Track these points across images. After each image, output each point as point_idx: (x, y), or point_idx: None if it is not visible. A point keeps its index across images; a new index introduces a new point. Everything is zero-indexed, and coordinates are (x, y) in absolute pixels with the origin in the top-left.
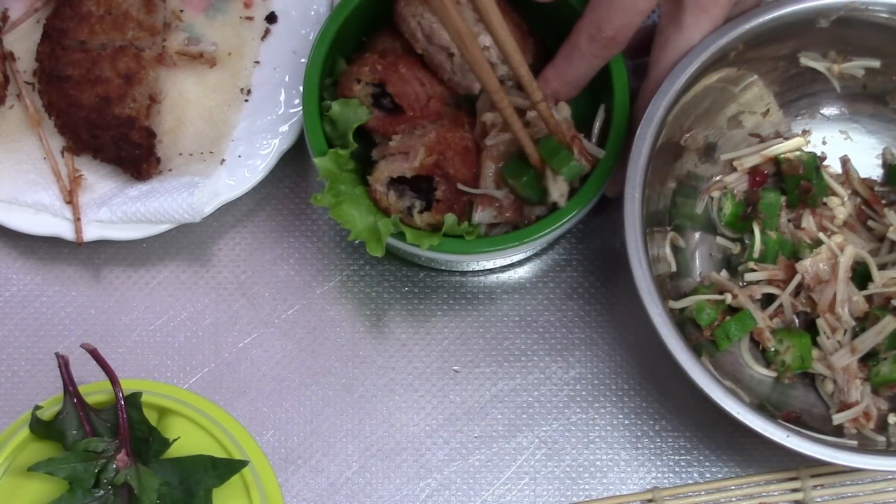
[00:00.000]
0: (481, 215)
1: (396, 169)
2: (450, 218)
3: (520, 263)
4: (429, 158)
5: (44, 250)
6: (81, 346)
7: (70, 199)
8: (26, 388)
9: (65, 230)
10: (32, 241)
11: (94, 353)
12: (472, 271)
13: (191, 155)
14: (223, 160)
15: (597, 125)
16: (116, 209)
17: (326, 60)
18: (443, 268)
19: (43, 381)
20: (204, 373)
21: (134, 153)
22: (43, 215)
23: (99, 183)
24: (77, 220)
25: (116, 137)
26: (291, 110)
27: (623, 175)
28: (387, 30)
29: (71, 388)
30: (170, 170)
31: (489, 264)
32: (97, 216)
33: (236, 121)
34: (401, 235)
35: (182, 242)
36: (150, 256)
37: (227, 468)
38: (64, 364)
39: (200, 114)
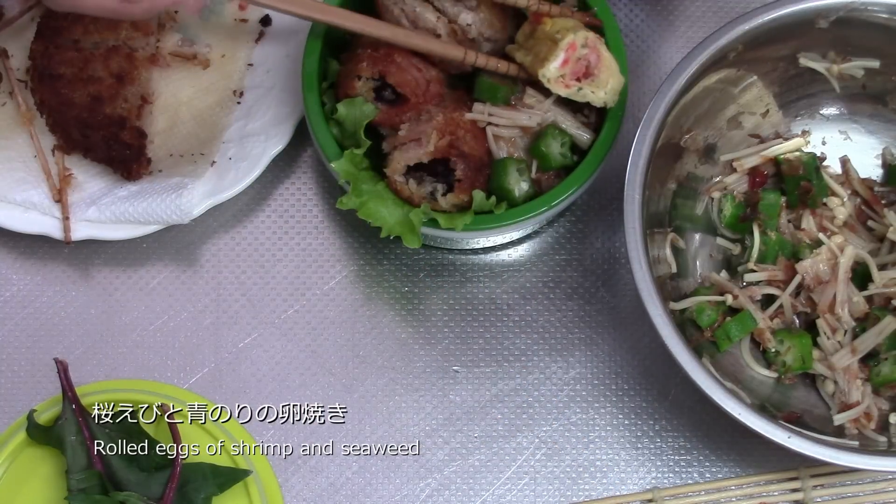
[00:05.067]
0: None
1: (412, 157)
2: (478, 195)
3: (521, 264)
4: (442, 141)
5: (44, 251)
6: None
7: (59, 197)
8: (26, 389)
9: (53, 229)
10: (32, 242)
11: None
12: (483, 249)
13: (181, 156)
14: (213, 162)
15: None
16: (105, 209)
17: (321, 64)
18: (466, 247)
19: (43, 381)
20: (204, 373)
21: (124, 153)
22: (32, 213)
23: (89, 182)
24: (66, 218)
25: (107, 137)
26: (283, 113)
27: None
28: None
29: (70, 394)
30: (160, 170)
31: (517, 234)
32: (86, 215)
33: (228, 123)
34: (433, 222)
35: (182, 242)
36: (151, 256)
37: (228, 477)
38: (63, 370)
39: (192, 115)
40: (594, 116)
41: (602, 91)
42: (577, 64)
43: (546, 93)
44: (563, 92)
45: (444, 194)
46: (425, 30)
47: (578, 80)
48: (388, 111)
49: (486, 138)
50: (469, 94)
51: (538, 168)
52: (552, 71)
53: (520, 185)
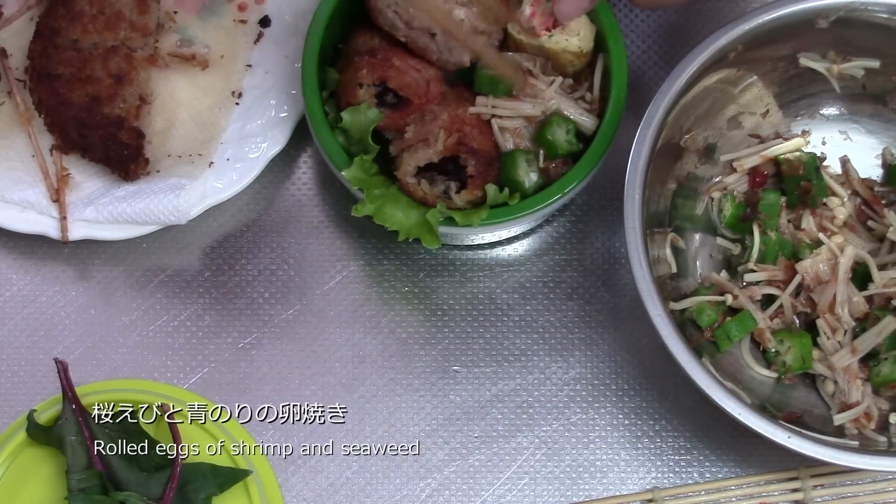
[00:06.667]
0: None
1: (422, 157)
2: (491, 188)
3: (521, 264)
4: (450, 138)
5: (43, 251)
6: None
7: (57, 197)
8: (26, 389)
9: (50, 228)
10: (32, 242)
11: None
12: (488, 244)
13: (179, 157)
14: (211, 163)
15: (596, 79)
16: (102, 209)
17: (319, 74)
18: (472, 242)
19: (43, 381)
20: (204, 373)
21: (122, 153)
22: (29, 213)
23: (86, 182)
24: (63, 218)
25: (105, 137)
26: (282, 114)
27: None
28: (360, 30)
29: (70, 394)
30: (157, 171)
31: (529, 225)
32: (83, 215)
33: (226, 123)
34: (449, 220)
35: (182, 242)
36: (150, 256)
37: (228, 477)
38: (63, 370)
39: (191, 116)
40: (597, 102)
41: (575, 38)
42: (543, 16)
43: (548, 81)
44: (534, 41)
45: (457, 192)
46: (420, 30)
47: (548, 29)
48: (392, 115)
49: (492, 131)
50: (468, 89)
51: (545, 157)
52: (520, 23)
53: (529, 176)
